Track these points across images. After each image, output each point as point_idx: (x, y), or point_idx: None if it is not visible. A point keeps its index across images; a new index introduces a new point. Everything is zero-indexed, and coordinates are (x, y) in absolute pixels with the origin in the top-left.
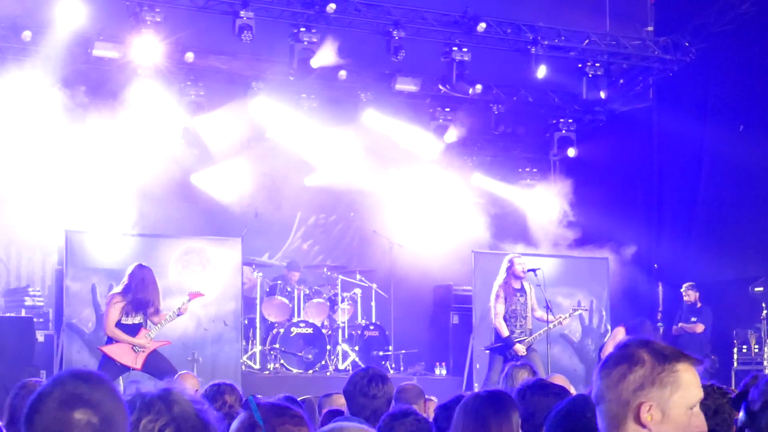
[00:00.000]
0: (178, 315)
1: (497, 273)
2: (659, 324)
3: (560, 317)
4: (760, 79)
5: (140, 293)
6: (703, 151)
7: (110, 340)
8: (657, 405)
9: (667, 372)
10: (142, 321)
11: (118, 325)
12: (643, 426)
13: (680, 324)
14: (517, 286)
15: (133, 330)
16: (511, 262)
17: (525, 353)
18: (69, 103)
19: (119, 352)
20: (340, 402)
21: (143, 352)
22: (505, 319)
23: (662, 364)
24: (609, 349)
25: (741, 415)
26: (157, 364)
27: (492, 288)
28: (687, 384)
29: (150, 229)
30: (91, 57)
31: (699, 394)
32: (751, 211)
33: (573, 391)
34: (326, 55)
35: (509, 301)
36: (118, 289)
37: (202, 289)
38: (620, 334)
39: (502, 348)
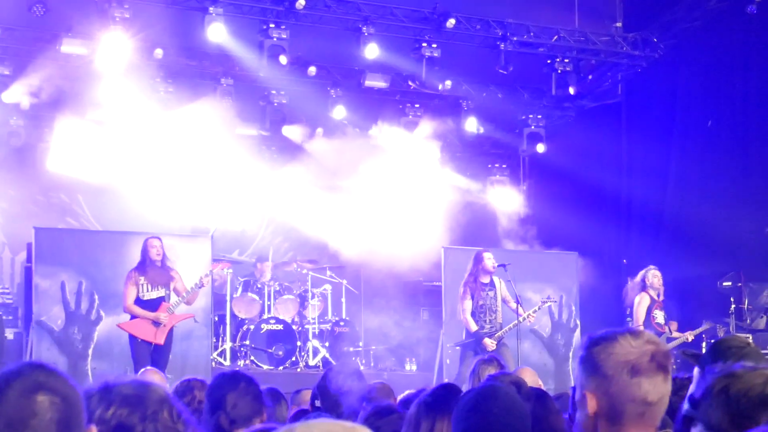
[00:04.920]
0: (199, 287)
1: (466, 268)
2: (628, 320)
3: (529, 312)
4: (728, 75)
5: (153, 265)
6: (672, 146)
7: (132, 317)
8: None
9: None
10: (164, 294)
11: (138, 302)
12: None
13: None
14: (485, 280)
15: (153, 305)
16: (480, 257)
17: (494, 347)
18: (37, 98)
19: (138, 328)
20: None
21: (164, 326)
22: (473, 314)
23: None
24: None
25: (686, 405)
26: (166, 348)
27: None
28: None
29: (119, 226)
30: (59, 53)
31: None
32: (720, 206)
33: (540, 385)
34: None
35: (477, 296)
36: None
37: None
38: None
39: (472, 343)
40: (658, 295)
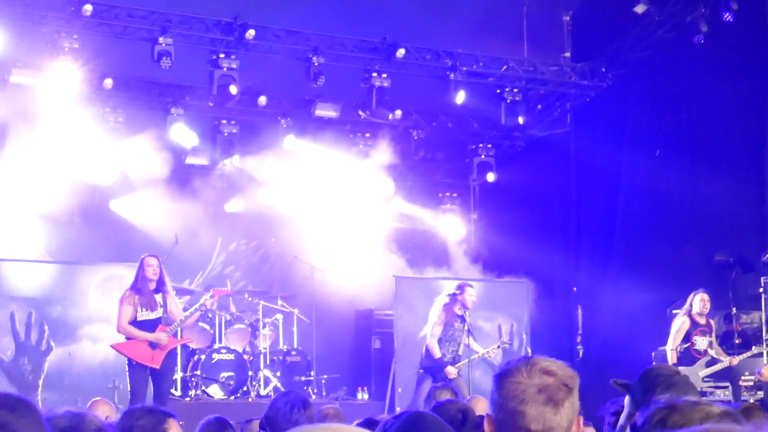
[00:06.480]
0: (200, 311)
1: (418, 297)
2: (579, 347)
3: (488, 349)
4: (675, 105)
5: (149, 285)
6: (620, 175)
7: (128, 338)
8: None
9: None
10: (161, 316)
11: (134, 322)
12: None
13: None
14: (460, 312)
15: (150, 326)
16: (463, 289)
17: (456, 376)
18: None
19: (133, 350)
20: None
21: (161, 349)
22: (440, 341)
23: None
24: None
25: None
26: (166, 374)
27: (418, 311)
28: None
29: (69, 256)
30: (8, 84)
31: None
32: (668, 234)
33: None
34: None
35: (448, 326)
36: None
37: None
38: None
39: (434, 369)
40: (706, 320)
